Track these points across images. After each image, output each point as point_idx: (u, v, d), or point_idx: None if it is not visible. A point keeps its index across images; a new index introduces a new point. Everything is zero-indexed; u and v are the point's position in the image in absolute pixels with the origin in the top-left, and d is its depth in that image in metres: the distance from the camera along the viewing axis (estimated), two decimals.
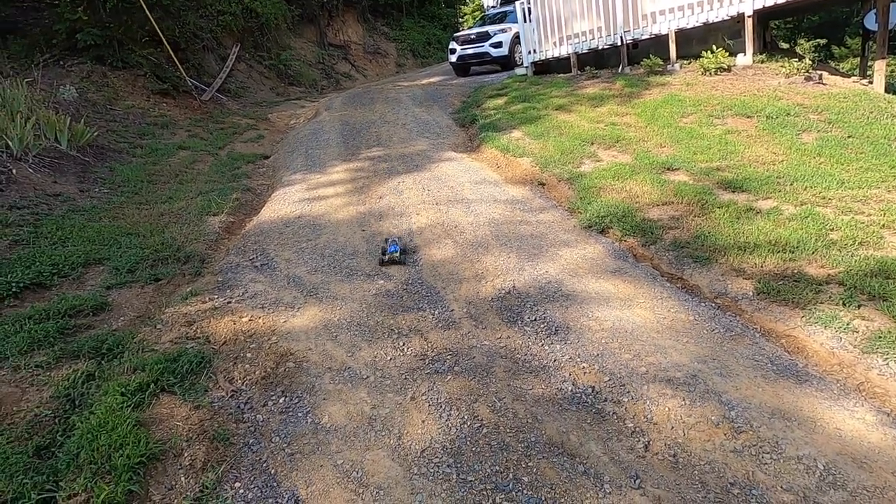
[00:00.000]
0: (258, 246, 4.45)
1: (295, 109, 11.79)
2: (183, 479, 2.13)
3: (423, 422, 2.42)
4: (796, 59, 7.16)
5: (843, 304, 2.86)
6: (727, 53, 7.50)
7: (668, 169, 4.97)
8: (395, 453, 2.26)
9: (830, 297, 2.95)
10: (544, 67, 10.47)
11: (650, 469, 2.09)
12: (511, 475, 2.11)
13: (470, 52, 12.94)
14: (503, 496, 2.02)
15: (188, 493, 2.07)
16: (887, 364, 2.48)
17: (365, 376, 2.74)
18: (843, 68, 13.45)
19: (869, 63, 8.52)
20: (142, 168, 6.80)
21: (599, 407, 2.42)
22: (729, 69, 7.47)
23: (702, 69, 7.53)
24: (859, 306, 2.84)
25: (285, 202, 5.47)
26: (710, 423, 2.26)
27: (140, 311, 3.48)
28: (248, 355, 2.93)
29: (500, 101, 8.68)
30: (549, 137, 6.30)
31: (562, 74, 9.80)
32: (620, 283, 3.40)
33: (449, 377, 2.69)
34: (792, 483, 1.97)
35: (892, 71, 18.31)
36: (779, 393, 2.40)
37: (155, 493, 2.06)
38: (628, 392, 2.48)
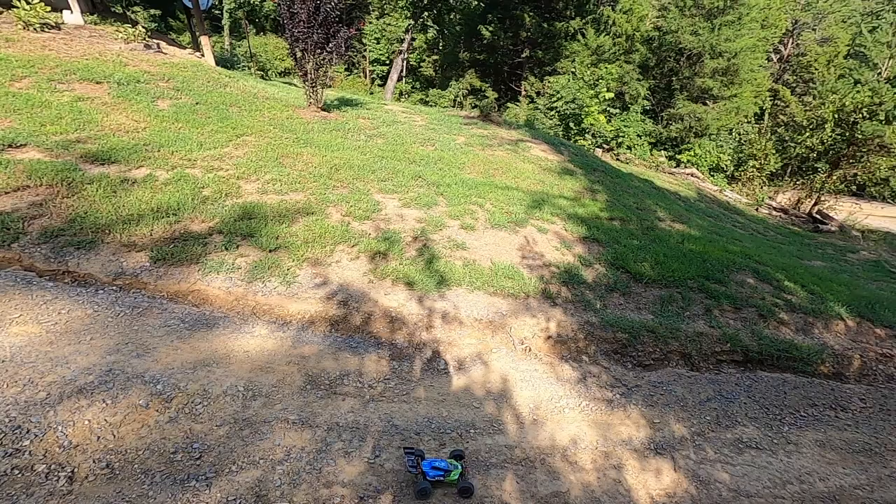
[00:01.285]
0: None
1: None
2: None
3: None
4: (131, 25, 7.17)
5: (226, 249, 3.33)
6: (49, 8, 6.55)
7: (12, 146, 3.99)
8: None
9: (215, 246, 3.35)
10: None
11: None
12: None
13: None
14: None
15: None
16: (264, 285, 3.13)
17: None
18: (182, 41, 14.82)
19: (198, 37, 9.72)
20: None
21: (2, 469, 1.81)
22: (58, 27, 6.60)
23: (22, 23, 6.27)
24: (237, 247, 3.39)
25: None
26: (139, 409, 2.15)
27: None
28: None
29: None
30: None
31: None
32: None
33: None
34: (224, 416, 2.21)
35: (220, 47, 21.89)
36: (196, 346, 2.57)
37: None
38: (30, 432, 1.97)
